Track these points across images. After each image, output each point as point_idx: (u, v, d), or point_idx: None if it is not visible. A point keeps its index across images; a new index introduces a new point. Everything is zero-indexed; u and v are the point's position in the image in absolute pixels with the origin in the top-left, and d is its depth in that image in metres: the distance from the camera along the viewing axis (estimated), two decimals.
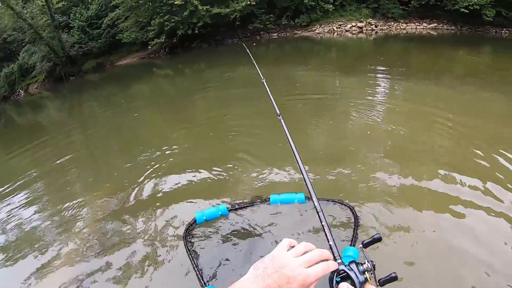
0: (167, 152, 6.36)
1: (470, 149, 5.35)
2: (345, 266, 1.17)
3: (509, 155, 4.93)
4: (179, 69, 20.01)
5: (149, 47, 24.24)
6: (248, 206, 4.10)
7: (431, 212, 3.88)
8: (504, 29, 26.39)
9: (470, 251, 3.30)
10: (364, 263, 1.18)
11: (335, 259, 1.27)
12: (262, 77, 4.12)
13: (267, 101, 8.26)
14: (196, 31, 23.83)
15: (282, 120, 2.69)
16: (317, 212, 1.71)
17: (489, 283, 2.97)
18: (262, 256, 2.59)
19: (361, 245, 1.43)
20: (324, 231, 1.48)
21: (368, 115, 7.27)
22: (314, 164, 5.12)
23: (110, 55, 27.11)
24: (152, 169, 5.66)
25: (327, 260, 1.12)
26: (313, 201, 1.73)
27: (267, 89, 3.40)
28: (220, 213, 3.96)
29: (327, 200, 4.00)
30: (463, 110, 7.55)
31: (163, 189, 5.06)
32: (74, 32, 27.41)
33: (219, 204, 4.15)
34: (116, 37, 25.56)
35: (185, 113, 9.17)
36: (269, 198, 4.06)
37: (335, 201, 3.93)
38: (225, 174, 5.23)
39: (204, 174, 5.28)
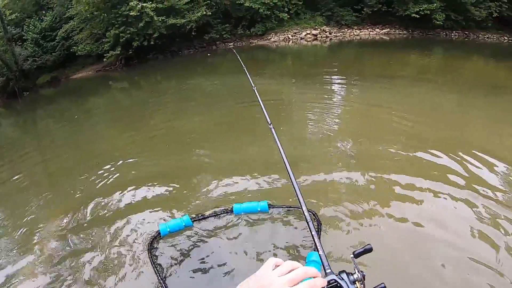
0: (124, 166, 6.35)
1: (423, 147, 5.76)
2: (336, 275, 1.17)
3: (460, 153, 5.40)
4: (136, 81, 19.96)
5: (104, 59, 23.88)
6: (212, 217, 4.13)
7: (391, 207, 4.15)
8: (454, 31, 27.77)
9: (434, 235, 3.65)
10: (355, 273, 1.17)
11: (325, 271, 1.29)
12: (253, 84, 4.25)
13: (224, 110, 8.66)
14: (152, 42, 23.71)
15: (273, 129, 2.77)
16: (307, 222, 1.71)
17: (452, 259, 3.34)
18: (225, 264, 3.11)
19: (352, 255, 1.39)
20: (314, 241, 1.47)
21: (324, 118, 7.61)
22: (272, 169, 5.27)
23: (65, 68, 26.48)
24: (109, 183, 5.67)
25: (314, 277, 1.08)
26: (303, 211, 1.75)
27: (258, 97, 3.47)
28: (184, 224, 3.98)
29: (289, 207, 4.06)
30: (415, 111, 8.04)
31: (122, 203, 5.01)
32: (27, 45, 26.66)
33: (182, 216, 4.15)
34: (71, 50, 25.07)
35: (142, 126, 9.21)
36: (232, 208, 4.12)
37: (295, 207, 4.01)
38: (185, 185, 5.30)
39: (164, 186, 5.34)
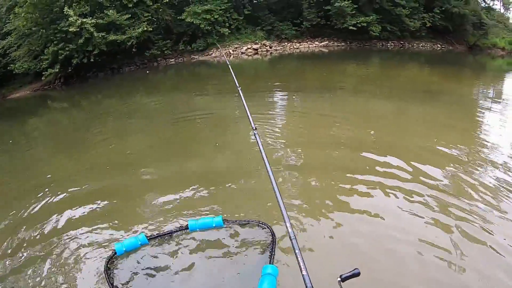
0: (66, 188, 6.08)
1: (366, 149, 6.41)
2: None
3: (400, 152, 6.17)
4: (76, 100, 19.46)
5: (43, 78, 23.10)
6: (167, 234, 4.09)
7: (340, 212, 4.51)
8: (390, 41, 29.39)
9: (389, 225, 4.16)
10: None
11: (305, 285, 1.37)
12: (238, 85, 4.61)
13: (165, 127, 9.46)
14: (92, 60, 23.27)
15: (256, 136, 2.90)
16: (290, 239, 1.69)
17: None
18: (183, 281, 3.23)
19: (339, 279, 1.45)
20: (297, 260, 1.53)
21: (267, 130, 7.95)
22: (216, 181, 5.58)
23: (2, 87, 25.28)
24: (49, 207, 5.52)
25: None
26: (287, 227, 1.76)
27: (243, 100, 3.71)
28: (140, 243, 3.92)
29: (243, 222, 4.14)
30: (356, 118, 8.75)
31: (68, 225, 4.89)
32: None
33: (138, 234, 4.12)
34: (8, 68, 23.88)
35: (83, 147, 8.98)
36: (187, 225, 4.10)
37: (250, 222, 4.08)
38: (130, 203, 5.31)
39: (111, 205, 5.30)
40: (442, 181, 5.16)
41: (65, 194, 5.92)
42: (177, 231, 4.16)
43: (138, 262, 3.79)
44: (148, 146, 8.28)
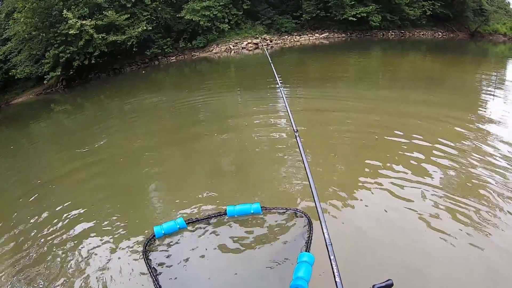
0: (78, 188, 6.24)
1: (379, 140, 6.48)
2: None
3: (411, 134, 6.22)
4: (78, 103, 19.47)
5: (45, 81, 23.23)
6: (206, 219, 4.14)
7: (370, 207, 4.44)
8: (391, 31, 29.29)
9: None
10: None
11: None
12: (279, 84, 4.61)
13: (169, 125, 9.52)
14: (93, 61, 23.34)
15: (298, 138, 2.90)
16: (326, 246, 1.71)
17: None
18: (219, 266, 3.40)
19: None
20: (332, 267, 1.54)
21: (272, 124, 8.02)
22: (229, 175, 5.72)
23: (5, 93, 25.35)
24: (86, 194, 5.77)
25: None
26: (323, 233, 1.75)
27: (285, 102, 3.70)
28: (178, 226, 3.98)
29: (282, 209, 4.14)
30: (362, 109, 8.68)
31: (107, 211, 5.06)
32: None
33: (177, 218, 4.16)
34: (10, 73, 24.04)
35: (88, 149, 8.81)
36: (225, 211, 4.13)
37: (288, 209, 4.08)
38: (166, 192, 5.49)
39: (126, 202, 5.40)
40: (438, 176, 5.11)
41: (98, 185, 6.16)
42: (215, 216, 4.20)
43: (176, 246, 3.86)
44: (154, 144, 8.27)
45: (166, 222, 4.10)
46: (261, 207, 4.14)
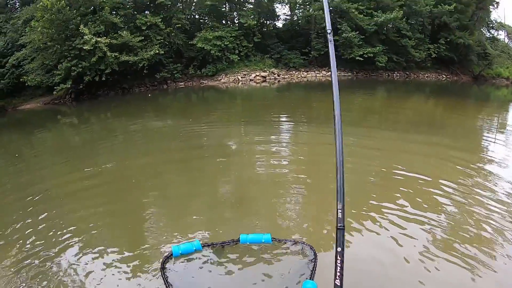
0: (80, 204, 6.18)
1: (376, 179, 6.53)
2: None
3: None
4: (85, 117, 19.65)
5: (54, 92, 23.50)
6: (219, 244, 4.34)
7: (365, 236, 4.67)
8: (396, 72, 29.97)
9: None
10: None
11: None
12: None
13: (172, 150, 9.57)
14: (104, 78, 23.78)
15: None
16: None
17: None
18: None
19: None
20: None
21: (272, 163, 7.94)
22: (228, 205, 5.80)
23: (13, 98, 25.71)
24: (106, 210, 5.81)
25: None
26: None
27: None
28: (194, 248, 4.19)
29: (291, 241, 4.34)
30: (361, 150, 8.64)
31: (123, 228, 5.28)
32: None
33: (193, 240, 4.40)
34: (21, 79, 24.33)
35: (90, 165, 8.73)
36: (238, 238, 4.34)
37: (297, 242, 4.29)
38: (181, 215, 5.57)
39: (124, 224, 5.47)
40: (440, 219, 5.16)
41: (81, 210, 6.04)
42: (229, 242, 4.40)
43: (191, 265, 4.08)
44: (157, 168, 8.31)
45: (184, 243, 4.37)
46: (272, 238, 4.37)
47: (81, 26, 22.59)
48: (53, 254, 4.60)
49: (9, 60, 25.27)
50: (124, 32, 24.64)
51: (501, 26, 38.05)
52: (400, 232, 4.69)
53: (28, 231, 5.27)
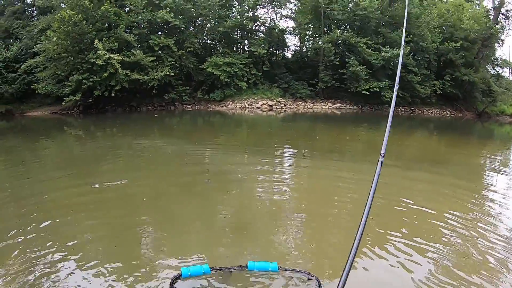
0: (78, 221, 6.04)
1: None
2: None
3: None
4: (91, 131, 19.67)
5: (63, 102, 23.73)
6: (228, 269, 4.43)
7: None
8: (401, 107, 30.49)
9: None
10: None
11: None
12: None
13: (176, 174, 9.28)
14: (113, 94, 24.14)
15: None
16: None
17: None
18: None
19: None
20: None
21: (274, 191, 7.85)
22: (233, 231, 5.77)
23: (22, 103, 25.89)
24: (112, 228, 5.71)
25: None
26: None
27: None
28: (203, 271, 4.29)
29: (296, 270, 4.41)
30: (362, 187, 8.21)
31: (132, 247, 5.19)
32: None
33: (203, 264, 4.45)
34: (31, 86, 24.61)
35: (93, 180, 8.64)
36: (246, 265, 4.43)
37: (303, 272, 4.34)
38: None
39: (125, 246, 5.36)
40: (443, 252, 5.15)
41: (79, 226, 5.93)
42: (237, 268, 4.49)
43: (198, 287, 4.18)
44: (160, 190, 8.25)
45: (194, 266, 4.45)
46: (278, 266, 4.48)
47: (96, 41, 23.09)
48: (47, 273, 4.42)
49: (21, 66, 25.59)
50: (137, 51, 25.16)
51: (506, 63, 38.78)
52: (406, 259, 4.75)
53: (25, 242, 5.14)
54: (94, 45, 23.05)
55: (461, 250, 5.09)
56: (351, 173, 9.45)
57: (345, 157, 12.23)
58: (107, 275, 4.38)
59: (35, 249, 4.94)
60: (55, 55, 23.73)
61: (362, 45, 28.84)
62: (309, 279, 4.25)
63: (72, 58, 23.70)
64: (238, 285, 4.15)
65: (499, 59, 37.77)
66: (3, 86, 25.20)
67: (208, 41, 32.10)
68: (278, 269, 4.37)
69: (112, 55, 23.35)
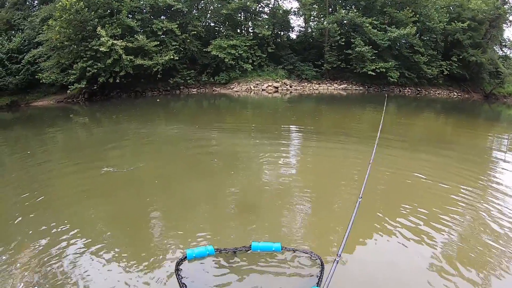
0: (85, 206, 6.16)
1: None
2: None
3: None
4: (97, 118, 19.78)
5: (68, 91, 23.86)
6: (232, 250, 4.53)
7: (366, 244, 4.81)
8: (407, 88, 29.98)
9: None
10: None
11: None
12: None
13: (182, 156, 9.56)
14: (118, 80, 24.08)
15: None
16: None
17: None
18: None
19: None
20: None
21: (279, 172, 7.95)
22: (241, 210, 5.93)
23: (27, 94, 25.96)
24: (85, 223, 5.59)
25: None
26: None
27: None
28: (207, 252, 4.42)
29: (299, 250, 4.53)
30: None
31: (139, 230, 5.36)
32: None
33: (207, 245, 4.55)
34: (36, 76, 24.50)
35: (99, 165, 8.62)
36: (250, 245, 4.53)
37: (305, 252, 4.47)
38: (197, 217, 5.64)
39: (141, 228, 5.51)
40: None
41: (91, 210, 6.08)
42: (241, 249, 4.57)
43: (203, 269, 4.29)
44: (168, 172, 8.38)
45: (198, 247, 4.56)
46: (282, 246, 4.56)
47: (98, 28, 22.96)
48: (60, 256, 4.62)
49: (25, 56, 25.58)
50: (140, 36, 24.99)
51: None
52: (418, 231, 4.95)
53: (32, 230, 5.29)
54: (97, 32, 22.90)
55: (475, 219, 5.27)
56: (357, 154, 9.48)
57: (351, 137, 12.13)
58: (115, 256, 4.57)
59: (46, 232, 5.17)
60: (58, 44, 23.67)
61: (367, 25, 28.38)
62: (312, 258, 4.36)
63: (75, 46, 23.61)
64: (242, 265, 4.29)
65: (507, 40, 36.84)
66: (8, 78, 25.20)
67: (212, 24, 31.80)
68: (282, 249, 4.50)
69: (115, 41, 23.21)
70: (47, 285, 4.02)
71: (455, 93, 31.57)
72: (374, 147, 4.63)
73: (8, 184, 7.87)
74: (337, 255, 3.07)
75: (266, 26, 29.27)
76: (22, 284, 4.06)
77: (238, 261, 4.35)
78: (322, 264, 4.16)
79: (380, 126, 5.67)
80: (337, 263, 3.18)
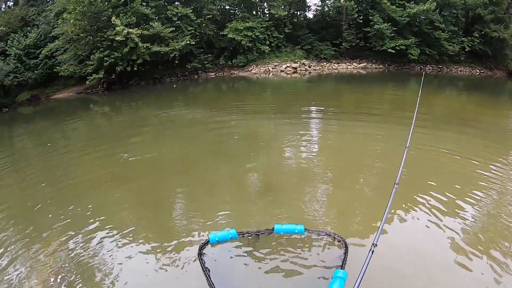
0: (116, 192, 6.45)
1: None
2: None
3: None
4: (116, 106, 19.97)
5: (87, 82, 23.93)
6: (255, 233, 4.61)
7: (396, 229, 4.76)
8: (428, 65, 29.20)
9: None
10: None
11: None
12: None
13: (203, 139, 9.77)
14: (135, 69, 24.05)
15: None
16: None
17: None
18: (262, 272, 3.89)
19: None
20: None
21: (301, 154, 8.02)
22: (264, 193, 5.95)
23: (46, 87, 26.21)
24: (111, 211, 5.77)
25: None
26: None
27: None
28: (230, 236, 4.49)
29: (323, 233, 4.55)
30: (391, 147, 8.41)
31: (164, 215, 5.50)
32: (10, 60, 25.50)
33: (230, 229, 4.62)
34: (54, 69, 24.79)
35: (126, 154, 8.91)
36: (273, 228, 4.60)
37: (327, 234, 4.50)
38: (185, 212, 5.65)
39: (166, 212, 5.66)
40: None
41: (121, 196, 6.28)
42: (263, 232, 4.63)
43: (226, 252, 4.35)
44: (191, 156, 8.51)
45: (221, 230, 4.61)
46: (305, 228, 4.55)
47: (113, 18, 22.75)
48: (87, 241, 4.81)
49: (42, 51, 25.73)
50: (155, 23, 24.73)
51: None
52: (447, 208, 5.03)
53: (58, 215, 5.55)
54: (112, 22, 22.71)
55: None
56: (379, 133, 9.45)
57: (372, 117, 12.02)
58: (139, 242, 4.70)
59: (72, 217, 5.44)
60: (74, 36, 23.75)
61: (386, 1, 27.50)
62: (336, 240, 4.39)
63: (91, 37, 23.67)
64: (265, 248, 4.35)
65: None
66: (27, 73, 25.41)
67: (227, 7, 31.25)
68: (304, 231, 4.53)
69: (130, 30, 23.00)
70: (74, 271, 4.18)
71: (478, 70, 30.43)
72: (410, 130, 4.49)
73: (33, 172, 8.36)
74: (373, 244, 2.80)
75: (282, 7, 28.68)
76: (51, 270, 4.23)
77: (261, 244, 4.41)
78: (346, 246, 4.19)
79: (416, 108, 5.46)
80: (373, 253, 3.11)
